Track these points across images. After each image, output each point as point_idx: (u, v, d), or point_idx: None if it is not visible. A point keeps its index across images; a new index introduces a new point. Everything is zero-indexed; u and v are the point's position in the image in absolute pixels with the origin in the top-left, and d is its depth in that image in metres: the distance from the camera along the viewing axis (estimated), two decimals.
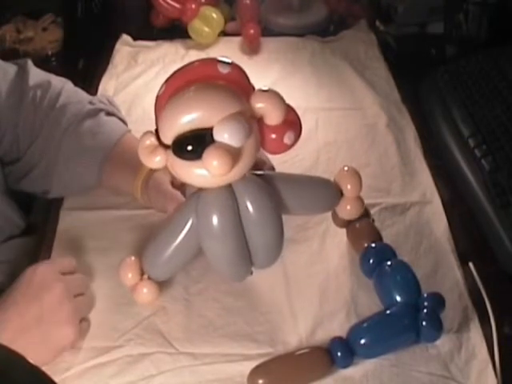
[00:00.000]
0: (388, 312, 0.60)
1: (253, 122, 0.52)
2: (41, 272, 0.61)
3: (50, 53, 1.02)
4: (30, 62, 0.77)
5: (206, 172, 0.51)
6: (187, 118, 0.50)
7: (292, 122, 0.54)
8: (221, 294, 0.66)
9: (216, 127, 0.49)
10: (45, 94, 0.74)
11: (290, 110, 0.54)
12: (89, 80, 0.92)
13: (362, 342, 0.58)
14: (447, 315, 0.63)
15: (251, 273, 0.62)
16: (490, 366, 0.60)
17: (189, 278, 0.68)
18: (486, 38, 0.97)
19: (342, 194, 0.64)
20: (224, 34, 1.06)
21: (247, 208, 0.55)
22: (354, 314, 0.64)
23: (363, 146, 0.85)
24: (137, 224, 0.73)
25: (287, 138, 0.54)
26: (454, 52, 0.99)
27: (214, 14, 1.01)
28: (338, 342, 0.58)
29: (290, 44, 1.04)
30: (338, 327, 0.63)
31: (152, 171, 0.70)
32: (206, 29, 1.01)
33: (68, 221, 0.74)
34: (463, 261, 0.69)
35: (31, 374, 0.34)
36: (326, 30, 1.09)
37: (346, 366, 0.58)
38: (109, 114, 0.77)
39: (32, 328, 0.59)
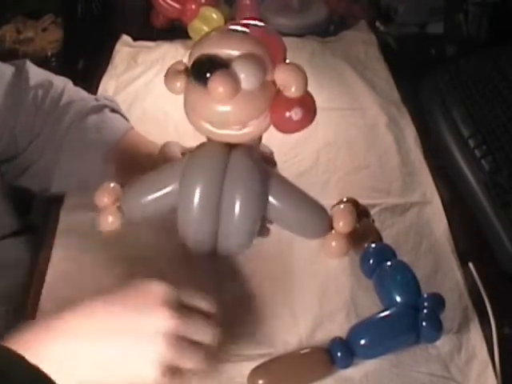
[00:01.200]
0: (388, 312, 0.60)
1: (272, 86, 0.53)
2: (154, 290, 0.54)
3: (49, 53, 1.02)
4: (28, 63, 0.76)
5: (213, 105, 0.52)
6: (209, 45, 0.53)
7: (306, 101, 0.55)
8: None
9: (234, 60, 0.52)
10: (46, 93, 0.74)
11: (308, 94, 0.55)
12: (89, 80, 0.92)
13: (362, 342, 0.58)
14: (447, 315, 0.63)
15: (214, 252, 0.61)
16: (490, 366, 0.59)
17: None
18: (486, 38, 0.97)
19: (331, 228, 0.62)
20: None
21: (233, 179, 0.55)
22: (353, 314, 0.64)
23: (363, 146, 0.84)
24: (137, 224, 0.73)
25: (294, 114, 0.54)
26: (454, 52, 0.99)
27: (214, 15, 1.01)
28: (337, 342, 0.58)
29: (289, 44, 1.01)
30: (338, 327, 0.63)
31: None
32: (206, 29, 1.01)
33: (68, 221, 0.74)
34: (463, 261, 0.69)
35: (31, 374, 0.34)
36: (326, 30, 1.09)
37: (346, 367, 0.58)
38: (113, 110, 0.78)
39: (113, 341, 0.52)
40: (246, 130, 0.55)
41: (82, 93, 0.78)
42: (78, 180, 0.74)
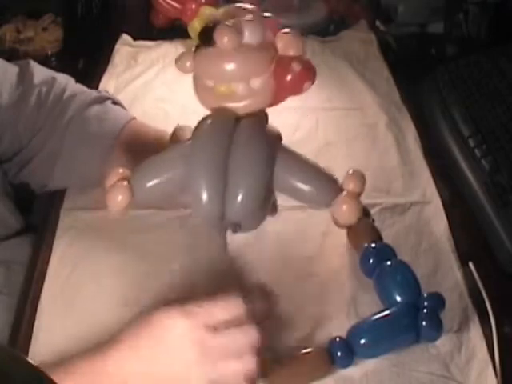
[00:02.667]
0: (388, 312, 0.60)
1: (273, 47, 0.57)
2: (179, 327, 0.52)
3: (49, 53, 1.02)
4: (32, 62, 0.77)
5: (219, 60, 0.55)
6: (216, 17, 0.57)
7: (305, 60, 0.58)
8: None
9: (237, 18, 0.56)
10: (50, 89, 0.75)
11: (307, 58, 0.58)
12: (89, 80, 0.92)
13: (362, 342, 0.58)
14: (447, 315, 0.63)
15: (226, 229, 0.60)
16: (490, 366, 0.60)
17: (189, 278, 0.68)
18: (486, 38, 0.97)
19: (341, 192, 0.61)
20: None
21: (241, 143, 0.56)
22: (353, 314, 0.64)
23: (363, 146, 0.84)
24: (137, 224, 0.73)
25: (295, 66, 0.56)
26: (454, 52, 0.99)
27: None
28: (337, 341, 0.58)
29: None
30: (338, 327, 0.62)
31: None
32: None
33: (68, 221, 0.74)
34: (463, 261, 0.69)
35: (31, 374, 0.34)
36: (326, 30, 1.09)
37: (346, 366, 0.58)
38: (115, 103, 0.78)
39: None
40: (249, 91, 0.56)
41: (84, 88, 0.79)
42: (79, 173, 0.74)
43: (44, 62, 0.82)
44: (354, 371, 0.59)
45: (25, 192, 0.77)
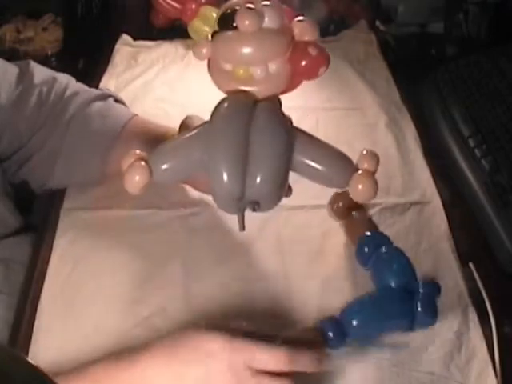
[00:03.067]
0: (382, 294, 0.60)
1: (290, 31, 0.57)
2: (220, 356, 0.51)
3: (49, 53, 1.02)
4: (32, 62, 0.77)
5: (238, 44, 0.55)
6: (234, 3, 0.57)
7: (319, 45, 0.58)
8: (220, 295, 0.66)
9: (257, 3, 0.56)
10: (50, 89, 0.75)
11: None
12: (89, 80, 0.91)
13: (355, 322, 0.57)
14: (447, 315, 0.63)
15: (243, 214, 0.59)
16: (490, 366, 0.60)
17: (189, 278, 0.68)
18: (486, 38, 0.97)
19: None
20: None
21: (260, 123, 0.56)
22: None
23: (363, 146, 0.84)
24: (137, 224, 0.73)
25: (311, 50, 0.57)
26: (454, 52, 0.99)
27: (214, 14, 1.01)
28: (329, 322, 0.58)
29: None
30: None
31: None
32: (206, 29, 1.01)
33: (68, 221, 0.74)
34: (463, 261, 0.69)
35: (31, 374, 0.34)
36: (326, 30, 1.09)
37: (337, 347, 0.58)
38: (117, 101, 0.79)
39: None
40: (267, 74, 0.57)
41: (85, 87, 0.79)
42: (80, 171, 0.74)
43: (44, 62, 0.82)
44: (354, 371, 0.59)
45: (25, 191, 0.77)
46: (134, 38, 1.05)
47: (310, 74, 0.58)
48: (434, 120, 0.86)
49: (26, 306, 0.66)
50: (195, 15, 1.00)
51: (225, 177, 0.55)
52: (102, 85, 0.94)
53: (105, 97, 0.77)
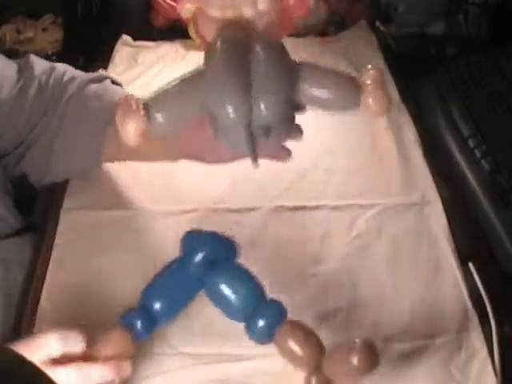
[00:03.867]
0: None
1: None
2: None
3: (50, 53, 1.02)
4: (32, 56, 0.77)
5: None
6: None
7: None
8: None
9: None
10: (49, 77, 0.75)
11: None
12: None
13: (157, 306, 0.57)
14: (447, 315, 0.63)
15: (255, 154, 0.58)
16: (490, 366, 0.60)
17: None
18: (486, 38, 0.97)
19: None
20: None
21: (261, 54, 0.55)
22: (354, 314, 0.64)
23: (363, 146, 0.85)
24: (137, 224, 0.73)
25: None
26: (454, 52, 0.99)
27: None
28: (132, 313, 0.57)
29: (289, 44, 1.03)
30: (338, 327, 0.63)
31: None
32: None
33: (68, 221, 0.74)
34: (463, 261, 0.69)
35: (31, 374, 0.34)
36: (326, 30, 1.09)
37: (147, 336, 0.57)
38: (114, 83, 0.78)
39: None
40: (258, 23, 0.56)
41: (82, 72, 0.78)
42: (79, 153, 0.73)
43: None
44: None
45: (24, 188, 0.77)
46: (134, 38, 1.05)
47: (301, 8, 0.57)
48: (433, 120, 0.86)
49: (26, 306, 0.66)
50: None
51: (232, 104, 0.54)
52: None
53: (101, 79, 0.77)
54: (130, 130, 0.54)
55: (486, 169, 0.75)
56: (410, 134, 0.86)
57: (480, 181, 0.75)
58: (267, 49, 0.56)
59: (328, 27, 1.10)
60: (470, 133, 0.80)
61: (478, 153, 0.77)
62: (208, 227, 0.73)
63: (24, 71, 0.74)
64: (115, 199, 0.76)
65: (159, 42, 1.05)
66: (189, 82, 0.57)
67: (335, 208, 0.75)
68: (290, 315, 0.64)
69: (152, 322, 0.57)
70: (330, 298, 0.66)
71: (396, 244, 0.70)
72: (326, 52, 1.03)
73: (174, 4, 1.02)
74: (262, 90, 0.55)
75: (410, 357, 0.60)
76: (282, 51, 0.57)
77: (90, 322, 0.64)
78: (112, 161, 0.75)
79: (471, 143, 0.79)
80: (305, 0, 0.56)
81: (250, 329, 0.56)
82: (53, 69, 0.76)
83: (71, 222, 0.74)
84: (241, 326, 0.63)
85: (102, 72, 0.81)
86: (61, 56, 1.02)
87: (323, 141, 0.85)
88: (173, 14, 1.03)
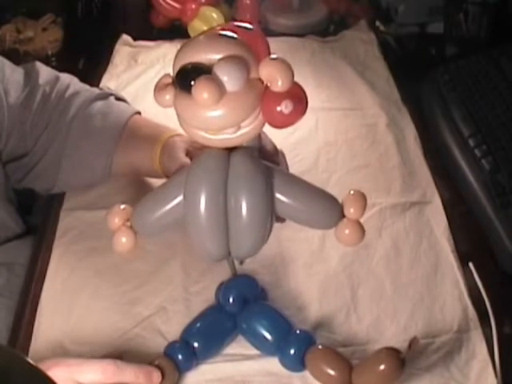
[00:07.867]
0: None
1: (259, 84, 0.52)
2: None
3: (50, 53, 1.03)
4: (38, 63, 0.78)
5: (202, 112, 0.51)
6: (191, 52, 0.53)
7: (295, 93, 0.53)
8: None
9: (215, 65, 0.51)
10: (52, 88, 0.75)
11: (296, 85, 0.53)
12: (89, 80, 0.91)
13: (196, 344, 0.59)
14: (447, 315, 0.63)
15: (232, 260, 0.61)
16: (490, 366, 0.59)
17: (189, 278, 0.68)
18: (486, 38, 0.97)
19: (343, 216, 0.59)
20: None
21: (236, 182, 0.54)
22: (353, 314, 0.64)
23: (363, 146, 0.85)
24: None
25: (284, 107, 0.52)
26: (453, 52, 0.99)
27: (214, 14, 1.01)
28: (175, 346, 0.59)
29: (289, 44, 1.04)
30: (338, 327, 0.63)
31: (170, 139, 0.70)
32: (206, 29, 1.01)
33: (68, 221, 0.74)
34: (463, 261, 0.69)
35: (31, 374, 0.34)
36: (326, 29, 1.10)
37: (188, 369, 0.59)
38: (118, 99, 0.79)
39: None
40: (240, 132, 0.54)
41: (87, 86, 0.79)
42: (85, 169, 0.73)
43: (44, 62, 0.82)
44: None
45: (28, 196, 0.77)
46: (134, 38, 1.06)
47: (285, 125, 0.54)
48: (433, 120, 0.86)
49: (26, 306, 0.66)
50: (195, 15, 1.00)
51: (205, 243, 0.57)
52: (102, 85, 0.94)
53: (105, 95, 0.77)
54: (121, 243, 0.58)
55: (486, 169, 0.75)
56: (410, 133, 0.86)
57: (480, 181, 0.75)
58: (242, 170, 0.55)
59: (328, 27, 1.10)
60: (470, 133, 0.80)
61: (478, 153, 0.77)
62: None
63: (30, 77, 0.75)
64: (115, 199, 0.76)
65: (159, 42, 1.05)
66: (172, 192, 0.58)
67: None
68: (290, 315, 0.64)
69: (193, 356, 0.59)
70: (330, 297, 0.66)
71: (396, 244, 0.70)
72: (326, 52, 1.03)
73: (174, 4, 1.02)
74: (240, 230, 0.56)
75: (409, 356, 0.60)
76: (256, 168, 0.56)
77: (91, 322, 0.64)
78: (119, 176, 0.76)
79: (471, 143, 0.79)
80: (293, 119, 0.53)
81: (283, 359, 0.59)
82: (57, 79, 0.76)
83: (71, 222, 0.74)
84: None
85: (105, 89, 0.82)
86: (61, 56, 1.03)
87: (322, 141, 0.85)
88: (173, 14, 1.03)
